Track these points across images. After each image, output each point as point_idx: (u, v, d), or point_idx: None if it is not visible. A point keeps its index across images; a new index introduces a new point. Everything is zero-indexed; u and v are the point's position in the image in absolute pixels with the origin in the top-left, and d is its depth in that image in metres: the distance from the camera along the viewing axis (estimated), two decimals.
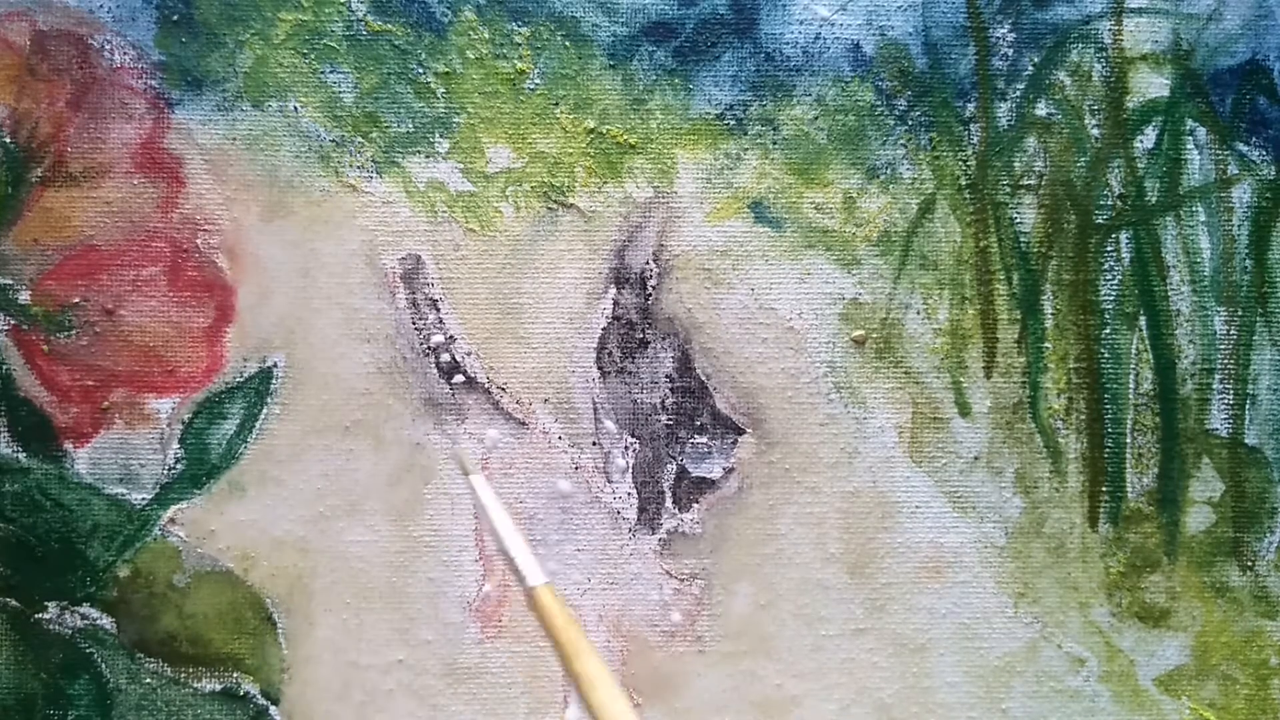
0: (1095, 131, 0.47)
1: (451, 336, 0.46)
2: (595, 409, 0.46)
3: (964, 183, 0.46)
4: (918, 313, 0.46)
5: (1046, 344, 0.46)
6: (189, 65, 0.45)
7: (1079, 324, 0.46)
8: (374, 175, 0.46)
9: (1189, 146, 0.47)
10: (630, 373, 0.46)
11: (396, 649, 0.45)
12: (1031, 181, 0.47)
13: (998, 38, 0.47)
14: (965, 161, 0.46)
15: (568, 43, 0.46)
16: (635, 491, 0.46)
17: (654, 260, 0.46)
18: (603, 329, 0.46)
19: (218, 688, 0.45)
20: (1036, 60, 0.47)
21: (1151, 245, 0.47)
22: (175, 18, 0.45)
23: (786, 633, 0.46)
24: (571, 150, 0.46)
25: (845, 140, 0.46)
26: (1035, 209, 0.47)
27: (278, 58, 0.45)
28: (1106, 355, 0.46)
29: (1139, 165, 0.47)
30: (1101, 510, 0.46)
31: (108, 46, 0.45)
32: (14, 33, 0.45)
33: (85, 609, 0.45)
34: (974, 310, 0.46)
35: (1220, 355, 0.47)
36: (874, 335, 0.46)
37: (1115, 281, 0.46)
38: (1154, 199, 0.47)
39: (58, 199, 0.45)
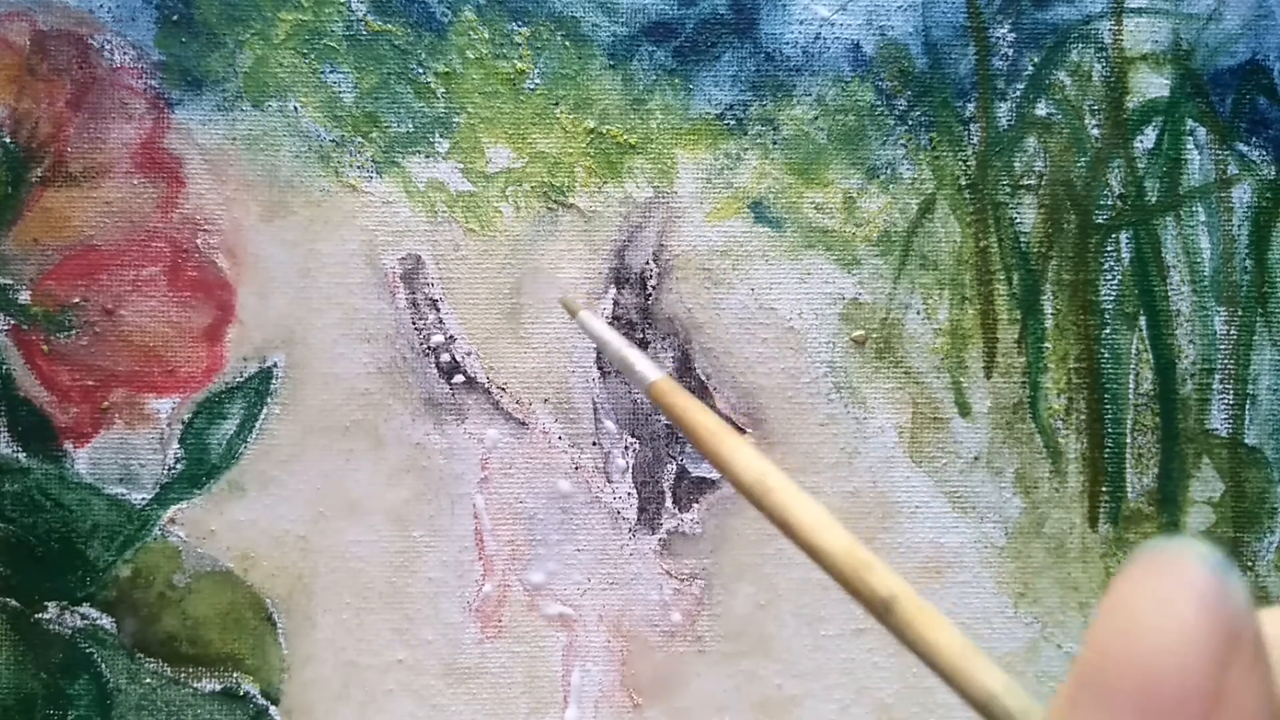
0: (1095, 131, 0.47)
1: (451, 336, 0.46)
2: (595, 409, 0.46)
3: (964, 183, 0.46)
4: (918, 313, 0.46)
5: (1046, 344, 0.46)
6: (189, 65, 0.45)
7: (1079, 324, 0.46)
8: (374, 175, 0.46)
9: (1189, 146, 0.47)
10: None
11: (396, 649, 0.45)
12: (1031, 181, 0.47)
13: (998, 38, 0.47)
14: (965, 161, 0.46)
15: (568, 43, 0.46)
16: (635, 491, 0.46)
17: (654, 260, 0.46)
18: None
19: (218, 688, 0.45)
20: (1036, 60, 0.47)
21: (1151, 245, 0.47)
22: (175, 18, 0.45)
23: (786, 633, 0.46)
24: (571, 150, 0.46)
25: (845, 140, 0.46)
26: (1035, 209, 0.47)
27: (278, 58, 0.45)
28: (1106, 355, 0.46)
29: (1139, 165, 0.47)
30: (1101, 510, 0.46)
31: (108, 46, 0.45)
32: (14, 33, 0.45)
33: (85, 609, 0.45)
34: (974, 310, 0.46)
35: (1220, 355, 0.47)
36: (874, 335, 0.46)
37: (1115, 281, 0.46)
38: (1154, 199, 0.47)
39: (58, 199, 0.45)
